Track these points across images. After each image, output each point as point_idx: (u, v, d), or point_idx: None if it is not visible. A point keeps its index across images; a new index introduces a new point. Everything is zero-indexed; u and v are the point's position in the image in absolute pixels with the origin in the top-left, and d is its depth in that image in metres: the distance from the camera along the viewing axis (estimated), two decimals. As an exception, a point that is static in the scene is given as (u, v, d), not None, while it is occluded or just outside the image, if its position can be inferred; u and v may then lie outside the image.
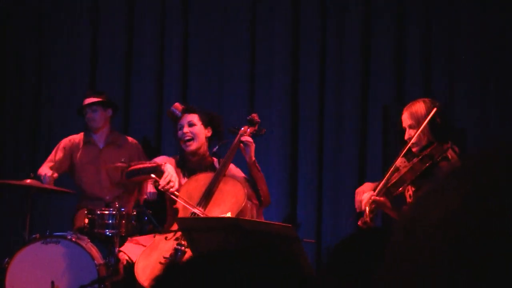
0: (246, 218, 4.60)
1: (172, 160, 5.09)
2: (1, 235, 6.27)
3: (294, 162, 6.16)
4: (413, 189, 4.30)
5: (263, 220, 4.51)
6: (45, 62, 6.64)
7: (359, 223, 4.21)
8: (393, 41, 6.09)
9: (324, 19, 6.24)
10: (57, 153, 5.69)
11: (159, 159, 5.08)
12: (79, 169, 5.66)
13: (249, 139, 4.84)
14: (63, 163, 5.66)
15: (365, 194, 4.30)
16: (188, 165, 5.06)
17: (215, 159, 5.13)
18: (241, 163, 5.03)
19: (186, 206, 4.69)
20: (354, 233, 1.78)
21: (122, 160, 5.21)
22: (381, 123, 6.03)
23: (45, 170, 5.44)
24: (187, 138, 4.99)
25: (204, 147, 5.07)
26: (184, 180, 4.98)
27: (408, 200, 4.32)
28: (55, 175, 5.43)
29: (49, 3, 6.67)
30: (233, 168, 5.03)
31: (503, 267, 0.70)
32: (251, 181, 4.94)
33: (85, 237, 5.12)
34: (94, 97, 5.70)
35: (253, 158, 4.89)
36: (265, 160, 6.07)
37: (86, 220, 5.13)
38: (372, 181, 4.63)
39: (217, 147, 5.01)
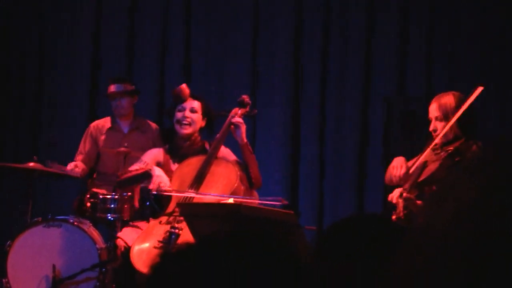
0: (243, 200, 4.62)
1: (161, 150, 5.10)
2: (3, 218, 6.30)
3: (296, 150, 6.18)
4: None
5: (263, 207, 4.52)
6: (46, 52, 6.65)
7: (393, 217, 4.02)
8: (395, 34, 6.09)
9: (327, 12, 6.25)
10: (86, 144, 5.64)
11: (147, 156, 5.07)
12: (103, 154, 5.61)
13: (239, 120, 4.83)
14: (92, 153, 5.62)
15: (396, 190, 4.19)
16: (179, 151, 5.06)
17: (206, 142, 5.14)
18: (234, 146, 5.02)
19: (182, 195, 4.71)
20: (346, 217, 1.78)
21: (125, 145, 5.21)
22: (382, 114, 6.04)
23: (70, 165, 5.42)
24: (186, 122, 5.00)
25: (196, 135, 5.09)
26: (175, 166, 4.99)
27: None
28: (78, 169, 5.40)
29: (50, 2, 6.68)
30: (224, 150, 5.04)
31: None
32: (242, 163, 4.94)
33: (87, 221, 5.13)
34: (119, 83, 5.66)
35: (245, 140, 4.87)
36: (267, 149, 6.09)
37: (88, 204, 5.13)
38: (372, 171, 4.59)
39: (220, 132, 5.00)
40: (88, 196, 5.18)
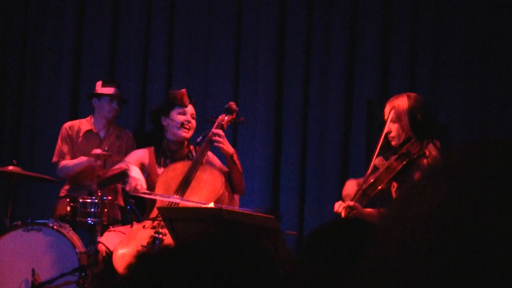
0: (224, 205, 4.62)
1: (147, 152, 5.10)
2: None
3: (277, 154, 6.17)
4: (397, 185, 4.28)
5: (245, 211, 4.52)
6: (29, 53, 6.60)
7: None
8: (379, 37, 6.11)
9: (310, 15, 6.25)
10: (66, 145, 5.55)
11: (132, 156, 5.08)
12: (76, 157, 5.54)
13: (218, 139, 4.83)
14: (72, 154, 5.56)
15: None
16: (169, 154, 5.08)
17: (191, 147, 5.15)
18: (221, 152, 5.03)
19: (161, 199, 4.71)
20: (326, 222, 1.78)
21: (105, 148, 5.19)
22: (365, 118, 6.05)
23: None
24: (189, 127, 5.06)
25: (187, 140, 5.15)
26: (161, 170, 4.99)
27: (394, 196, 4.30)
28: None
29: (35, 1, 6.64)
30: (210, 156, 5.06)
31: (482, 263, 0.70)
32: (227, 170, 4.96)
33: (67, 225, 5.10)
34: (116, 87, 5.59)
35: (230, 151, 4.88)
36: (249, 152, 6.08)
37: (68, 208, 5.11)
38: (354, 175, 4.62)
39: (200, 138, 5.00)
40: (67, 200, 5.16)
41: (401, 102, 4.24)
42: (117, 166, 4.96)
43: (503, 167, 0.75)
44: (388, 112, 4.27)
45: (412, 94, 4.33)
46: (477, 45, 5.90)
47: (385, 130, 4.26)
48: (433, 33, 6.03)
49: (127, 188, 4.73)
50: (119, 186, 5.21)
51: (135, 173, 4.80)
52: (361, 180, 4.32)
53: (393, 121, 4.23)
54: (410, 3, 6.08)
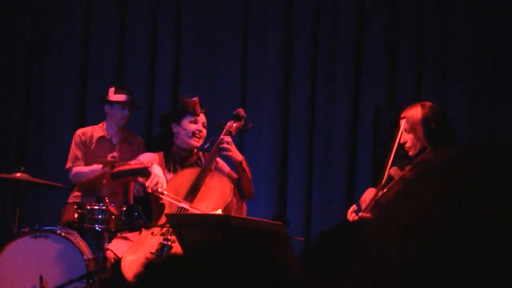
0: (232, 212, 4.62)
1: (156, 156, 5.11)
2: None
3: (284, 160, 6.17)
4: None
5: (252, 218, 4.52)
6: (36, 59, 6.62)
7: None
8: (385, 42, 6.11)
9: (317, 20, 6.25)
10: (79, 150, 5.54)
11: (144, 157, 5.08)
12: (89, 164, 5.54)
13: (226, 146, 4.83)
14: (84, 160, 5.56)
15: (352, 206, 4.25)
16: (176, 160, 5.08)
17: (200, 154, 5.15)
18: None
19: (172, 202, 4.70)
20: (333, 225, 1.78)
21: (114, 155, 5.19)
22: (372, 123, 6.05)
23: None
24: (200, 136, 5.05)
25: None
26: (170, 175, 4.99)
27: None
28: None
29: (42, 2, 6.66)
30: (219, 162, 5.06)
31: (469, 263, 0.71)
32: (235, 177, 4.96)
33: (74, 232, 5.10)
34: (129, 94, 5.59)
35: (239, 158, 4.88)
36: (256, 158, 6.08)
37: (76, 215, 5.11)
38: (360, 181, 4.62)
39: (208, 144, 5.00)
40: (75, 207, 5.16)
41: (415, 112, 4.22)
42: (135, 161, 4.96)
43: (495, 168, 0.76)
44: (403, 122, 4.25)
45: (427, 103, 4.29)
46: (483, 49, 5.90)
47: (401, 141, 4.23)
48: (439, 38, 6.03)
49: (147, 183, 4.70)
50: (131, 186, 5.20)
51: (158, 171, 4.80)
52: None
53: (407, 131, 4.21)
54: (416, 9, 6.08)
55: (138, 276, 1.08)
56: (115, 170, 4.89)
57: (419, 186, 0.78)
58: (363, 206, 4.21)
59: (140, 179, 4.81)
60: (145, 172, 4.78)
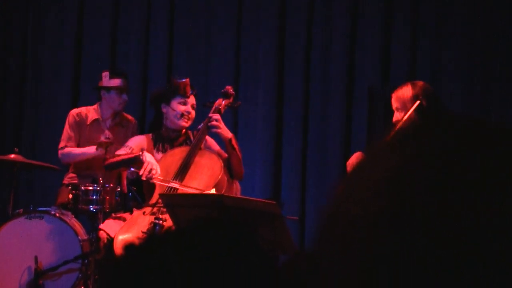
0: (223, 190, 4.63)
1: (144, 138, 5.11)
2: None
3: (279, 140, 6.18)
4: None
5: (245, 197, 4.53)
6: (31, 42, 6.62)
7: None
8: (380, 23, 6.11)
9: (311, 2, 6.25)
10: (73, 131, 5.51)
11: (132, 142, 5.08)
12: (82, 145, 5.53)
13: (215, 123, 4.82)
14: (78, 140, 5.55)
15: None
16: (165, 140, 5.09)
17: (190, 133, 5.15)
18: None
19: (163, 184, 4.71)
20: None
21: (107, 136, 5.18)
22: (366, 104, 6.06)
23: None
24: (189, 117, 5.04)
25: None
26: (159, 155, 4.99)
27: None
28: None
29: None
30: (209, 140, 5.06)
31: (431, 231, 0.70)
32: (225, 155, 4.96)
33: (69, 213, 5.11)
34: (125, 78, 5.58)
35: (229, 136, 4.87)
36: (251, 138, 6.09)
37: (70, 196, 5.11)
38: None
39: (201, 125, 4.99)
40: (69, 187, 5.16)
41: (405, 90, 4.24)
42: (122, 151, 4.95)
43: (459, 143, 0.75)
44: (394, 101, 4.27)
45: (418, 82, 4.31)
46: (480, 34, 5.91)
47: (394, 119, 4.25)
48: (435, 19, 6.04)
49: (141, 172, 4.71)
50: (124, 172, 5.21)
51: (150, 158, 4.80)
52: None
53: (399, 110, 4.23)
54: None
55: (120, 257, 1.07)
56: (107, 162, 4.89)
57: (383, 155, 0.78)
58: (349, 169, 4.23)
59: (133, 168, 4.81)
60: (137, 160, 4.78)
